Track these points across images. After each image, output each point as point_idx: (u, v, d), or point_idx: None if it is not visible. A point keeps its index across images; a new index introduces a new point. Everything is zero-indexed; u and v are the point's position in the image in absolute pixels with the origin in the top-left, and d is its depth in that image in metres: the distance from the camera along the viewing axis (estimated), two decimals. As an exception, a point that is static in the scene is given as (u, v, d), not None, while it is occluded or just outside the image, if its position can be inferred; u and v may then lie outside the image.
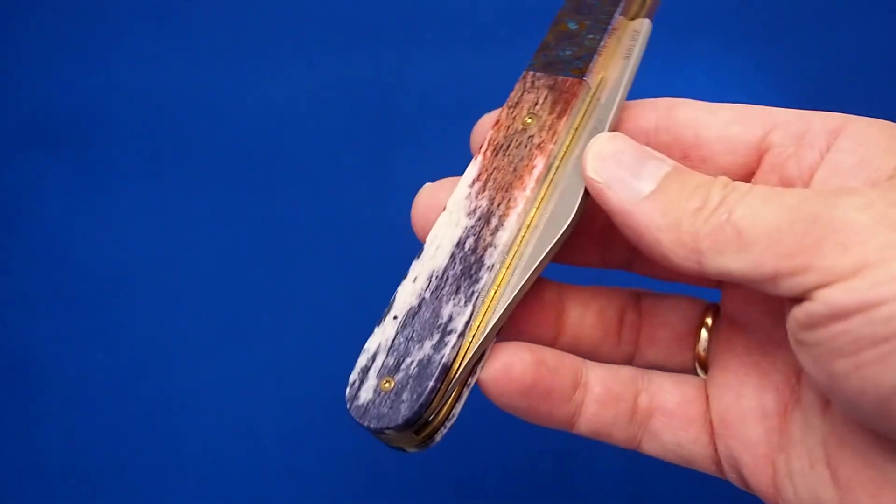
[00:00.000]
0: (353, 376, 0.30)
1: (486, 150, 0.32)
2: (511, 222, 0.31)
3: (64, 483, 0.50)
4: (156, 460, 0.50)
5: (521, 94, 0.32)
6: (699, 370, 0.35)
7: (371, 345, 0.31)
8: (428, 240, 0.31)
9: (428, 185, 0.34)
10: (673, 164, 0.29)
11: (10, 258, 0.55)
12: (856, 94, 0.56)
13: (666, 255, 0.27)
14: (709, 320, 0.35)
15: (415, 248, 0.32)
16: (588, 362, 0.33)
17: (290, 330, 0.53)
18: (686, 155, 0.31)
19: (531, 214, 0.31)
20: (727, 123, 0.31)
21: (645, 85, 0.53)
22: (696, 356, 0.34)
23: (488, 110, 0.34)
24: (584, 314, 0.35)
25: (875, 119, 0.29)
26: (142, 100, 0.59)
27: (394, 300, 0.31)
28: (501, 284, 0.31)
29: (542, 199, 0.31)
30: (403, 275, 0.31)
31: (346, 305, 0.53)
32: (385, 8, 0.61)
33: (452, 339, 0.30)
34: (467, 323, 0.30)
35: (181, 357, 0.52)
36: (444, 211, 0.32)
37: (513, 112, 0.32)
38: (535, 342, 0.33)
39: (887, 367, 0.23)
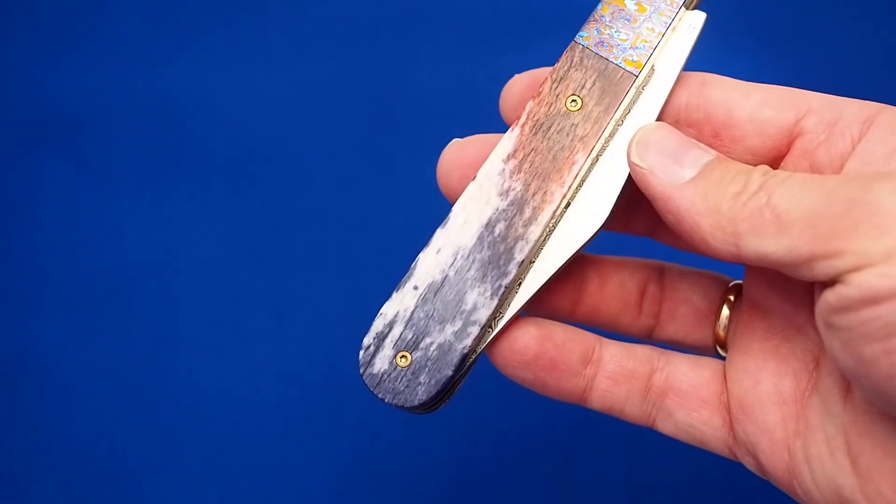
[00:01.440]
0: (368, 340, 0.30)
1: (525, 124, 0.31)
2: (545, 217, 0.31)
3: (64, 483, 0.49)
4: (156, 460, 0.50)
5: (568, 70, 0.32)
6: (718, 349, 0.35)
7: (388, 311, 0.30)
8: (455, 209, 0.31)
9: (456, 140, 0.34)
10: (715, 154, 0.29)
11: (10, 258, 0.54)
12: (856, 94, 0.57)
13: (705, 239, 0.28)
14: (731, 298, 0.35)
15: (415, 248, 0.31)
16: (603, 339, 0.33)
17: (290, 330, 0.53)
18: (717, 134, 0.31)
19: (565, 207, 0.31)
20: (760, 106, 0.31)
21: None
22: (716, 335, 0.35)
23: (488, 111, 0.34)
24: (604, 285, 0.35)
25: None
26: (142, 100, 0.58)
27: (415, 267, 0.31)
28: (527, 274, 0.31)
29: (577, 189, 0.31)
30: (425, 242, 0.31)
31: (346, 305, 0.52)
32: (385, 8, 0.61)
33: (475, 330, 0.30)
34: (491, 316, 0.30)
35: (181, 357, 0.52)
36: (474, 181, 0.31)
37: (557, 88, 0.31)
38: (553, 311, 0.34)
39: None
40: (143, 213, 0.56)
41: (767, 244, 0.26)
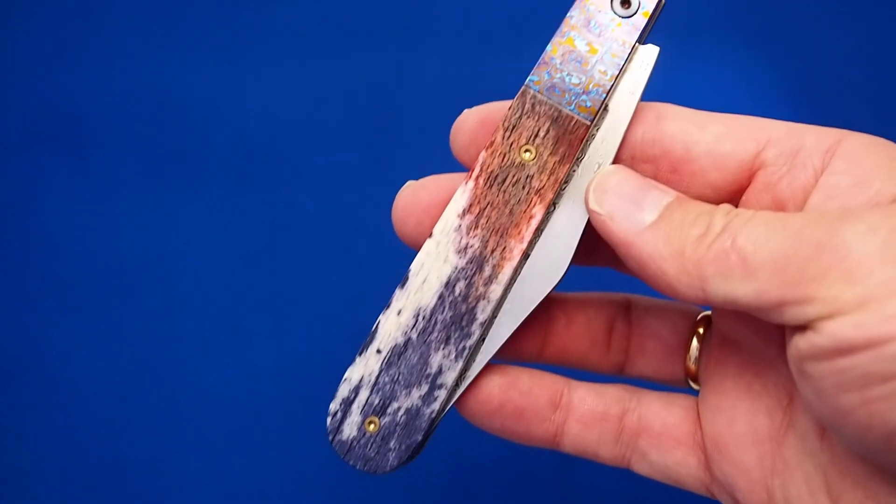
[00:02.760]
0: (335, 406, 0.30)
1: (479, 176, 0.31)
2: (505, 275, 0.30)
3: (64, 483, 0.50)
4: (156, 459, 0.50)
5: (520, 117, 0.31)
6: (690, 383, 0.34)
7: (353, 375, 0.30)
8: (413, 268, 0.31)
9: (411, 182, 0.33)
10: (675, 195, 0.29)
11: (10, 258, 0.55)
12: (857, 93, 0.56)
13: (671, 284, 0.27)
14: (700, 330, 0.34)
15: (415, 249, 0.31)
16: (572, 382, 0.33)
17: (290, 330, 0.53)
18: (675, 169, 0.31)
19: (524, 259, 0.31)
20: (718, 139, 0.30)
21: (647, 86, 0.52)
22: (687, 369, 0.34)
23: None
24: (570, 325, 0.35)
25: (870, 136, 0.29)
26: (142, 100, 0.58)
27: (376, 330, 0.31)
28: (490, 330, 0.31)
29: (536, 238, 0.31)
30: (390, 288, 0.31)
31: (346, 305, 0.52)
32: (385, 8, 0.60)
33: (442, 394, 0.30)
34: (457, 378, 0.30)
35: (181, 357, 0.52)
36: (431, 238, 0.31)
37: (509, 137, 0.31)
38: (520, 354, 0.33)
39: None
40: (142, 213, 0.56)
41: (735, 288, 0.25)
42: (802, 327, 0.25)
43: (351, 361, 0.31)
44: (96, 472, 0.50)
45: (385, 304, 0.31)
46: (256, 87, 0.59)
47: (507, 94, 0.32)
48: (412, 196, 0.33)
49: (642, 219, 0.28)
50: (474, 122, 0.32)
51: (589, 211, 0.29)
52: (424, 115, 0.57)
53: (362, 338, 0.31)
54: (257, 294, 0.54)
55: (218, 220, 0.55)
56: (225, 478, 0.50)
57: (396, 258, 0.33)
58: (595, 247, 0.35)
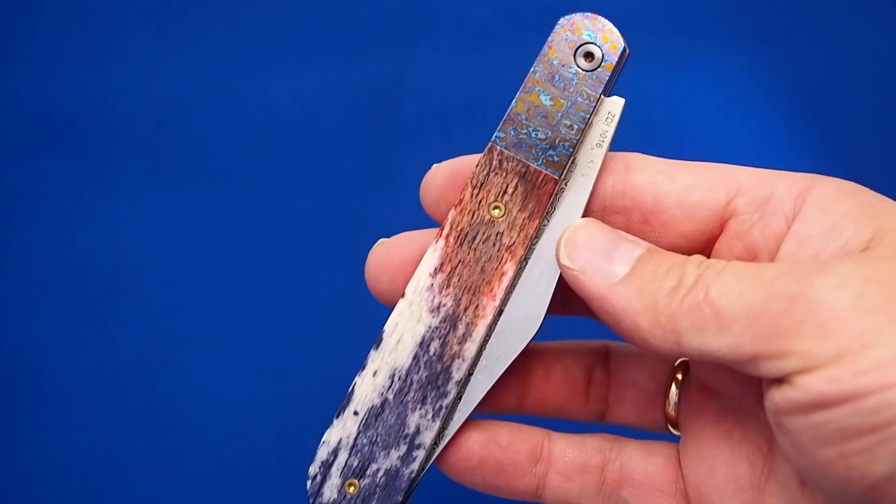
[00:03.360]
0: (314, 469, 0.30)
1: (449, 235, 0.31)
2: (479, 333, 0.30)
3: (64, 483, 0.50)
4: (156, 460, 0.51)
5: (488, 174, 0.31)
6: (671, 428, 0.34)
7: (331, 438, 0.31)
8: (387, 328, 0.31)
9: (383, 240, 0.33)
10: (647, 246, 0.29)
11: (10, 258, 0.55)
12: (855, 96, 0.55)
13: (645, 339, 0.27)
14: (679, 376, 0.34)
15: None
16: (552, 433, 0.33)
17: (290, 330, 0.53)
18: (646, 220, 0.31)
19: (498, 316, 0.31)
20: (688, 189, 0.30)
21: (646, 88, 0.52)
22: (667, 416, 0.34)
23: (488, 111, 0.33)
24: (549, 375, 0.35)
25: (841, 181, 0.29)
26: (142, 100, 0.58)
27: (352, 392, 0.31)
28: (465, 388, 0.31)
29: (509, 293, 0.31)
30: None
31: (347, 306, 0.52)
32: (385, 9, 0.59)
33: (421, 454, 0.30)
34: (435, 437, 0.30)
35: (181, 357, 0.52)
36: (403, 299, 0.31)
37: (478, 195, 0.31)
38: (498, 407, 0.33)
39: (875, 457, 0.23)
40: (142, 214, 0.56)
41: (710, 341, 0.25)
42: (778, 380, 0.25)
43: (350, 362, 0.31)
44: (96, 473, 0.51)
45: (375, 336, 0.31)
46: (257, 87, 0.58)
47: (506, 94, 0.32)
48: (385, 254, 0.33)
49: (614, 272, 0.28)
50: (443, 178, 0.32)
51: (560, 266, 0.29)
52: (424, 115, 0.57)
53: (362, 338, 0.31)
54: (258, 294, 0.54)
55: (218, 220, 0.55)
56: (225, 478, 0.50)
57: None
58: (571, 297, 0.35)
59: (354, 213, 0.55)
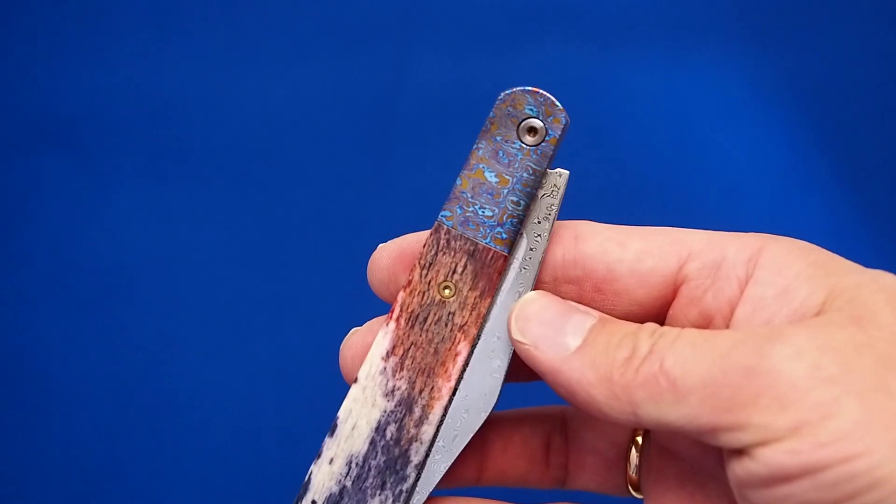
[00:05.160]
0: None
1: (399, 317, 0.30)
2: (436, 415, 0.30)
3: (64, 483, 0.51)
4: (156, 460, 0.51)
5: (436, 254, 0.30)
6: (633, 491, 0.34)
7: None
8: (341, 415, 0.30)
9: (356, 329, 0.33)
10: (598, 316, 0.28)
11: (10, 258, 0.55)
12: (854, 97, 0.54)
13: (602, 411, 0.26)
14: (639, 439, 0.34)
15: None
16: None
17: (290, 330, 0.53)
18: (599, 289, 0.30)
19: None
20: (639, 256, 0.30)
21: (646, 88, 0.50)
22: (629, 480, 0.34)
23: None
24: (507, 446, 0.34)
25: (792, 241, 0.29)
26: (142, 100, 0.58)
27: (309, 481, 0.30)
28: (425, 468, 0.31)
29: (462, 370, 0.31)
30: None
31: (346, 306, 0.52)
32: (384, 9, 0.58)
33: None
34: None
35: (181, 357, 0.53)
36: (356, 384, 0.30)
37: (427, 275, 0.30)
38: (457, 481, 0.33)
39: None
40: (142, 213, 0.56)
41: (667, 413, 0.25)
42: (738, 452, 0.24)
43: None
44: (96, 472, 0.51)
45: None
46: (256, 87, 0.58)
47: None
48: (360, 343, 0.32)
49: (566, 345, 0.27)
50: (390, 259, 0.32)
51: (513, 341, 0.29)
52: (424, 115, 0.56)
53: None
54: (257, 294, 0.54)
55: (218, 220, 0.55)
56: (225, 478, 0.51)
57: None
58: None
59: (354, 213, 0.55)
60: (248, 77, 0.58)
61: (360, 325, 0.32)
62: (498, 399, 0.30)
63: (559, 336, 0.28)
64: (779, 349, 0.24)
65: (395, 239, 0.32)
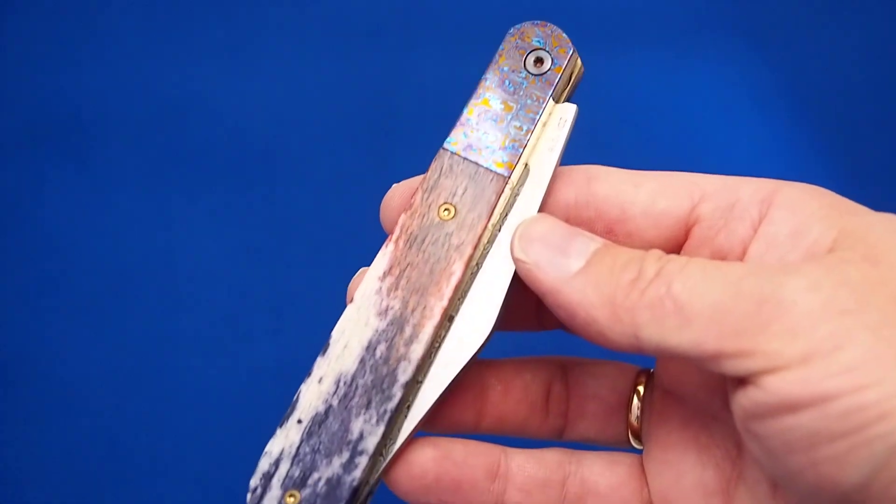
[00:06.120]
0: (255, 482, 0.30)
1: (399, 238, 0.30)
2: (426, 334, 0.30)
3: (64, 483, 0.50)
4: (155, 460, 0.50)
5: (438, 178, 0.31)
6: (633, 441, 0.34)
7: (273, 448, 0.30)
8: (334, 335, 0.30)
9: (364, 269, 0.32)
10: (602, 242, 0.28)
11: (10, 258, 0.55)
12: (853, 96, 0.55)
13: (602, 332, 0.26)
14: (641, 388, 0.33)
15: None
16: (508, 450, 0.32)
17: (290, 330, 0.53)
18: (611, 230, 0.30)
19: (448, 321, 0.30)
20: (652, 197, 0.30)
21: (646, 88, 0.51)
22: (630, 427, 0.33)
23: None
24: (507, 392, 0.34)
25: (806, 185, 0.28)
26: (142, 100, 0.58)
27: (297, 400, 0.30)
28: (416, 396, 0.30)
29: (460, 301, 0.30)
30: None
31: (346, 306, 0.52)
32: (385, 8, 0.59)
33: (363, 460, 0.29)
34: (380, 443, 0.29)
35: (181, 357, 0.52)
36: (352, 304, 0.30)
37: (428, 198, 0.30)
38: (455, 426, 0.32)
39: (846, 464, 0.22)
40: (143, 214, 0.56)
41: (670, 337, 0.25)
42: (743, 382, 0.24)
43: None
44: (96, 473, 0.50)
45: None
46: (256, 87, 0.58)
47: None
48: (391, 196, 0.32)
49: (569, 266, 0.27)
50: (402, 198, 0.32)
51: (514, 259, 0.29)
52: (424, 115, 0.56)
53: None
54: (257, 294, 0.54)
55: (218, 220, 0.55)
56: (225, 477, 0.50)
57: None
58: (546, 311, 0.34)
59: (354, 212, 0.54)
60: (248, 77, 0.58)
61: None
62: (493, 331, 0.30)
63: (562, 257, 0.27)
64: (795, 281, 0.24)
65: (407, 180, 0.32)
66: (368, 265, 0.42)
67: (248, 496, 0.30)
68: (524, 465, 0.32)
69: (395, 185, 0.33)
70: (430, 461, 0.30)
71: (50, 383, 0.52)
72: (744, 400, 0.24)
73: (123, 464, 0.50)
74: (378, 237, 0.53)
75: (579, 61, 0.32)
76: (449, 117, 0.33)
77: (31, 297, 0.54)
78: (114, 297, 0.54)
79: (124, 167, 0.57)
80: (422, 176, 0.32)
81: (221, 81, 0.58)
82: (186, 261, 0.54)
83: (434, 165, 0.31)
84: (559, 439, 0.34)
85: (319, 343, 0.51)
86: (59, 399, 0.52)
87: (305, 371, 0.50)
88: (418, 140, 0.53)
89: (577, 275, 0.27)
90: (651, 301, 0.25)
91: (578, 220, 0.31)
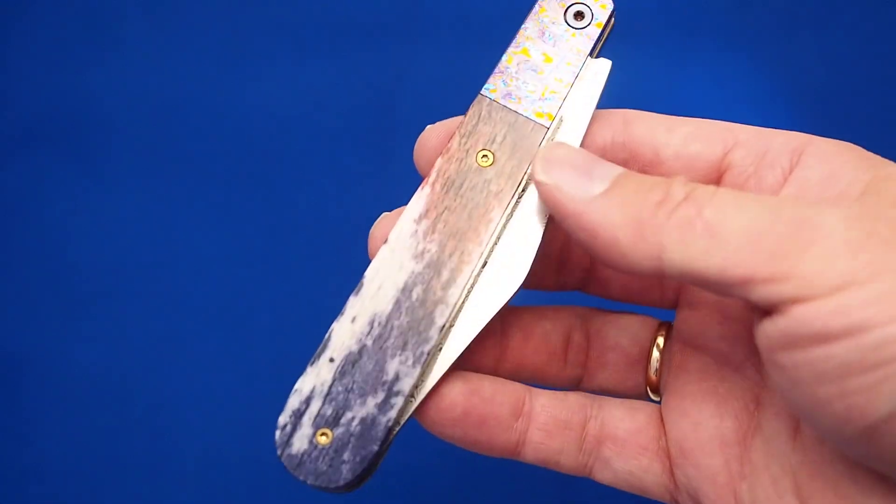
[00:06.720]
0: (284, 419, 0.30)
1: (435, 182, 0.31)
2: (464, 278, 0.30)
3: (63, 483, 0.50)
4: (155, 460, 0.50)
5: (477, 124, 0.31)
6: (651, 394, 0.34)
7: (304, 386, 0.30)
8: (368, 274, 0.30)
9: (386, 214, 0.33)
10: (625, 170, 0.28)
11: (10, 258, 0.55)
12: (855, 95, 0.55)
13: (624, 254, 0.25)
14: (660, 341, 0.33)
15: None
16: (533, 389, 0.32)
17: (290, 330, 0.52)
18: (644, 171, 0.30)
19: (482, 266, 0.30)
20: (686, 141, 0.30)
21: (646, 87, 0.52)
22: (648, 380, 0.34)
23: None
24: (527, 338, 0.34)
25: (837, 140, 0.28)
26: (142, 100, 0.58)
27: (329, 338, 0.30)
28: (447, 339, 0.30)
29: (494, 248, 0.30)
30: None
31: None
32: (385, 8, 0.60)
33: (399, 401, 0.29)
34: (413, 385, 0.29)
35: (181, 357, 0.52)
36: (385, 245, 0.30)
37: (466, 143, 0.31)
38: (475, 369, 0.32)
39: (876, 395, 0.22)
40: (143, 213, 0.56)
41: (697, 259, 0.24)
42: (770, 311, 0.23)
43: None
44: (96, 473, 0.50)
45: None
46: (257, 87, 0.59)
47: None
48: (388, 228, 0.32)
49: (592, 188, 0.27)
50: (439, 139, 0.32)
51: (535, 182, 0.28)
52: (424, 114, 0.56)
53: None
54: (257, 294, 0.54)
55: (218, 219, 0.55)
56: (225, 477, 0.50)
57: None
58: (564, 269, 0.35)
59: (354, 212, 0.55)
60: (248, 76, 0.59)
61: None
62: (526, 276, 0.30)
63: (585, 179, 0.27)
64: (832, 210, 0.23)
65: (443, 121, 0.33)
66: (368, 264, 0.42)
67: (277, 433, 0.29)
68: (547, 405, 0.32)
69: (429, 127, 0.33)
70: (460, 395, 0.30)
71: (50, 383, 0.52)
72: (771, 329, 0.23)
73: (123, 464, 0.50)
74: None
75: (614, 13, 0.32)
76: (449, 116, 0.34)
77: (32, 297, 0.54)
78: (114, 296, 0.54)
79: (125, 167, 0.57)
80: (457, 118, 0.32)
81: (221, 81, 0.59)
82: (186, 260, 0.54)
83: (472, 111, 0.31)
84: (576, 388, 0.35)
85: (320, 341, 0.51)
86: (60, 399, 0.51)
87: (305, 370, 0.51)
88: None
89: (600, 196, 0.26)
90: (680, 221, 0.24)
91: (614, 161, 0.29)
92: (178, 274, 0.54)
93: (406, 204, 0.32)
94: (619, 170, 0.27)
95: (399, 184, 0.54)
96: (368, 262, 0.48)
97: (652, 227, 0.25)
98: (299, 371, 0.51)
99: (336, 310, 0.52)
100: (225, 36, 0.60)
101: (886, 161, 0.27)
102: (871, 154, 0.28)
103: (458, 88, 0.56)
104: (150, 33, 0.60)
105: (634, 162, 0.31)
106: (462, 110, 0.32)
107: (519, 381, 0.33)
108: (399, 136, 0.56)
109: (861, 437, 0.23)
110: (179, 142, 0.57)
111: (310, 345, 0.51)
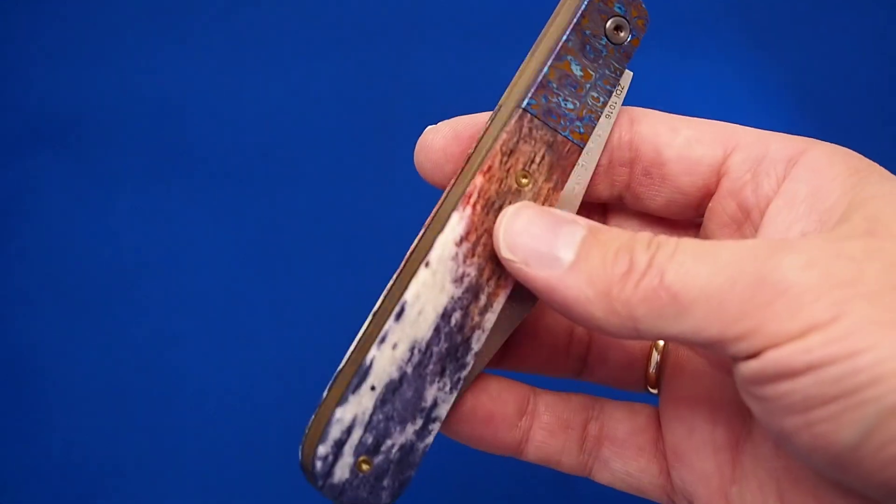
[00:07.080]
0: (325, 450, 0.29)
1: (476, 203, 0.30)
2: (500, 303, 0.30)
3: (64, 483, 0.50)
4: (156, 460, 0.50)
5: (518, 142, 0.30)
6: (650, 389, 0.34)
7: (345, 415, 0.29)
8: (408, 299, 0.29)
9: (432, 127, 0.33)
10: (587, 226, 0.27)
11: (10, 258, 0.55)
12: (854, 96, 0.56)
13: (601, 327, 0.26)
14: (660, 342, 0.34)
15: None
16: (537, 389, 0.33)
17: (291, 330, 0.53)
18: (647, 172, 0.31)
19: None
20: (689, 143, 0.30)
21: (646, 88, 0.52)
22: (647, 377, 0.34)
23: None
24: (529, 334, 0.34)
25: (836, 146, 0.29)
26: (143, 100, 0.58)
27: (370, 366, 0.29)
28: None
29: None
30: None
31: (347, 305, 0.51)
32: (385, 8, 0.60)
33: (436, 427, 0.29)
34: (450, 409, 0.30)
35: (181, 357, 0.52)
36: (426, 267, 0.29)
37: (507, 162, 0.30)
38: None
39: (839, 426, 0.23)
40: (143, 213, 0.56)
41: (669, 327, 0.25)
42: (745, 357, 0.24)
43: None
44: (96, 473, 0.50)
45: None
46: (256, 87, 0.59)
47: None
48: (428, 140, 0.33)
49: (559, 260, 0.27)
50: (445, 139, 0.32)
51: (502, 260, 0.28)
52: (424, 115, 0.56)
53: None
54: (257, 294, 0.54)
55: (217, 220, 0.55)
56: (225, 478, 0.50)
57: (396, 257, 0.32)
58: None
59: (354, 212, 0.55)
60: (248, 77, 0.59)
61: (359, 324, 0.31)
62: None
63: (551, 250, 0.27)
64: (790, 259, 0.24)
65: (446, 121, 0.32)
66: (369, 264, 0.42)
67: (318, 464, 0.29)
68: (551, 404, 0.33)
69: (430, 128, 0.33)
70: (468, 393, 0.31)
71: (50, 382, 0.52)
72: (744, 369, 0.24)
73: (123, 464, 0.50)
74: (378, 236, 0.53)
75: None
76: (449, 117, 0.33)
77: (31, 297, 0.54)
78: (114, 296, 0.54)
79: (124, 167, 0.57)
80: (463, 118, 0.32)
81: (221, 81, 0.59)
82: (186, 260, 0.55)
83: (514, 127, 0.30)
84: (576, 379, 0.36)
85: (320, 341, 0.51)
86: (59, 399, 0.51)
87: (306, 370, 0.51)
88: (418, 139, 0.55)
89: (569, 270, 0.26)
90: (645, 294, 0.25)
91: (621, 161, 0.31)
92: (178, 274, 0.54)
93: (407, 202, 0.31)
94: (582, 231, 0.27)
95: (399, 184, 0.55)
96: (369, 261, 0.47)
97: (621, 302, 0.25)
98: (299, 371, 0.51)
99: (336, 309, 0.52)
100: (225, 36, 0.60)
101: (878, 176, 0.27)
102: (866, 166, 0.28)
103: (458, 89, 0.57)
104: (151, 33, 0.60)
105: (638, 162, 0.31)
106: (462, 110, 0.32)
107: (521, 372, 0.34)
108: (399, 136, 0.56)
109: (830, 465, 0.24)
110: (179, 142, 0.57)
111: (310, 345, 0.52)
